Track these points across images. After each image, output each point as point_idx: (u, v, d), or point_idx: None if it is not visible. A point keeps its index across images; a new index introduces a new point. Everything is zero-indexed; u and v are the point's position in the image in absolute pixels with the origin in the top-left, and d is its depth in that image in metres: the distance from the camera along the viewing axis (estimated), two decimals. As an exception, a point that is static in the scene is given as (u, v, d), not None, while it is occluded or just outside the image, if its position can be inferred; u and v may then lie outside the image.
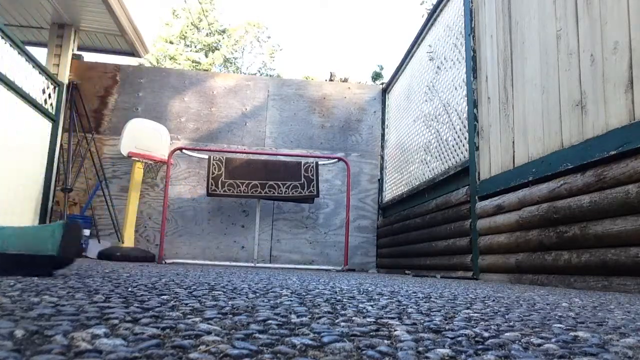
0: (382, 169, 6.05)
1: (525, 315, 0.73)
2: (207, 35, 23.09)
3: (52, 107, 5.26)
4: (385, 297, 0.95)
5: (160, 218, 5.40)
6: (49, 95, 5.19)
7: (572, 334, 0.54)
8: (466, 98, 3.68)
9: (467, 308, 0.81)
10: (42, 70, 4.96)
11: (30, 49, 4.81)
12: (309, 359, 0.36)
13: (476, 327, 0.56)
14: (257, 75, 17.80)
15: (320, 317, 0.57)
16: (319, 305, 0.72)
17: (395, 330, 0.50)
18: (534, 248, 2.57)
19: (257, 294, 0.86)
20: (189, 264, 5.02)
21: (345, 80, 7.19)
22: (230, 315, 0.54)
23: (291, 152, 5.81)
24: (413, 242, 4.54)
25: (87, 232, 5.05)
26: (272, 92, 6.10)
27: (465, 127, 3.73)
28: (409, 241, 4.68)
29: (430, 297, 1.03)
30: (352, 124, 6.13)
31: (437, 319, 0.62)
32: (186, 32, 22.64)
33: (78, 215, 5.18)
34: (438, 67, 4.48)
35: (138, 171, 5.24)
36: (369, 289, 1.26)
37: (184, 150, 5.47)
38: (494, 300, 1.03)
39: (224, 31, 23.69)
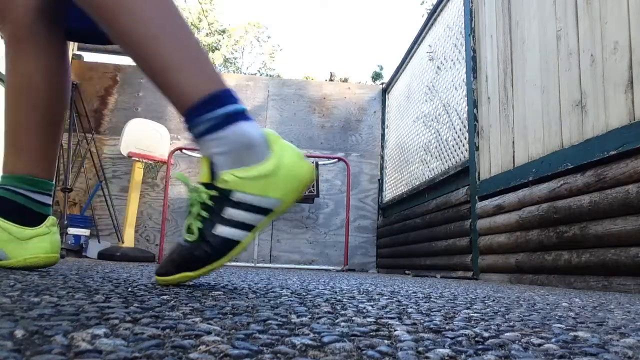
0: (382, 169, 6.05)
1: (525, 315, 0.73)
2: (207, 35, 23.10)
3: (52, 107, 5.25)
4: (385, 297, 0.95)
5: (160, 218, 5.40)
6: (49, 95, 5.18)
7: (572, 334, 0.54)
8: (466, 98, 3.68)
9: (467, 308, 0.81)
10: (42, 70, 4.96)
11: (30, 49, 4.80)
12: (309, 359, 0.36)
13: (476, 327, 0.56)
14: (257, 75, 17.78)
15: (320, 317, 0.57)
16: (319, 305, 0.72)
17: (395, 330, 0.50)
18: (534, 248, 2.57)
19: (257, 294, 0.86)
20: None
21: (345, 80, 7.20)
22: (231, 315, 0.54)
23: (291, 152, 5.80)
24: (413, 242, 4.54)
25: (86, 232, 5.05)
26: (272, 92, 6.10)
27: (465, 127, 3.73)
28: (409, 241, 4.68)
29: (430, 297, 1.03)
30: (352, 124, 6.13)
31: (437, 319, 0.62)
32: (186, 32, 22.63)
33: (78, 215, 5.18)
34: (438, 67, 4.49)
35: (138, 171, 5.24)
36: (369, 289, 1.26)
37: (184, 150, 5.47)
38: (494, 300, 1.03)
39: (224, 31, 23.71)
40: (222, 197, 0.91)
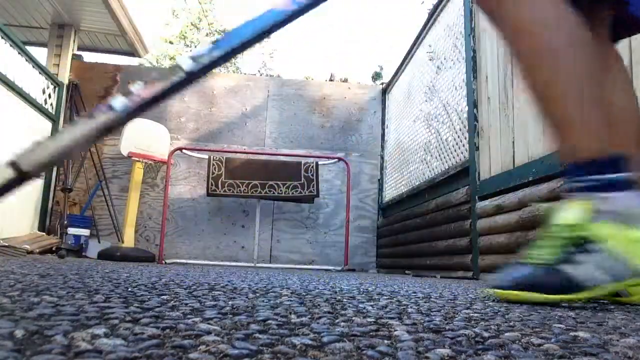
0: (382, 169, 6.05)
1: (525, 315, 0.73)
2: (207, 35, 23.09)
3: (52, 107, 5.26)
4: (385, 297, 0.95)
5: (160, 218, 5.40)
6: (49, 95, 5.19)
7: (572, 334, 0.54)
8: (466, 98, 3.68)
9: (467, 308, 0.81)
10: (42, 70, 4.96)
11: (30, 49, 4.81)
12: (309, 359, 0.36)
13: (476, 327, 0.56)
14: (257, 75, 17.76)
15: (320, 317, 0.57)
16: (319, 305, 0.72)
17: (395, 330, 0.50)
18: (534, 248, 2.57)
19: (257, 294, 0.86)
20: (189, 264, 5.02)
21: (345, 81, 7.19)
22: (230, 315, 0.54)
23: (291, 152, 5.81)
24: (413, 242, 4.54)
25: (86, 232, 5.05)
26: (272, 92, 6.10)
27: (465, 127, 3.73)
28: (409, 241, 4.68)
29: (430, 297, 1.03)
30: (352, 124, 6.13)
31: (437, 319, 0.62)
32: (186, 32, 22.64)
33: (78, 215, 5.18)
34: (438, 67, 4.48)
35: (138, 171, 5.24)
36: (369, 289, 1.26)
37: (184, 150, 5.47)
38: (494, 300, 1.03)
39: (223, 31, 23.70)
40: (584, 242, 0.94)
